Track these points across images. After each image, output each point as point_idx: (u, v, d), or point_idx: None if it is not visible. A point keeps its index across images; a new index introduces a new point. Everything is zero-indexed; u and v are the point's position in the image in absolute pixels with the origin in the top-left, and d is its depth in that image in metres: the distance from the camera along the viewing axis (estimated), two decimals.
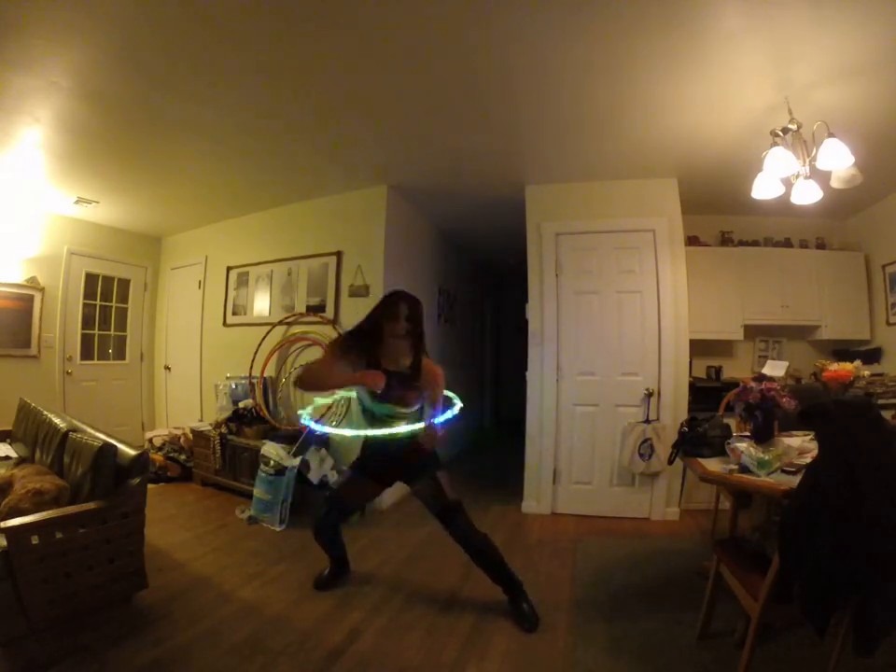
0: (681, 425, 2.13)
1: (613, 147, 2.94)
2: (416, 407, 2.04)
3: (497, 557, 2.04)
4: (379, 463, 2.10)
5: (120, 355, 5.04)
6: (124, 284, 5.04)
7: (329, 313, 3.74)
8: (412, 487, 2.12)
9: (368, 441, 2.14)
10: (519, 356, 3.38)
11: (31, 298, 4.17)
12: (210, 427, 3.87)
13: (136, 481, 2.02)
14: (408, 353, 1.99)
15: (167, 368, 5.06)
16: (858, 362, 2.60)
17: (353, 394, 2.15)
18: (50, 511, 1.83)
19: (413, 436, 1.95)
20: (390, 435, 1.94)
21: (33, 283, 4.17)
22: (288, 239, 4.09)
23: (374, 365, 1.92)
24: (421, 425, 1.94)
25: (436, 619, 2.03)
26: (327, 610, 2.07)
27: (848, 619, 1.29)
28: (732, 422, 2.23)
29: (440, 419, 1.95)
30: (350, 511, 2.36)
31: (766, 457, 1.69)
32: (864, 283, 3.69)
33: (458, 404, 2.07)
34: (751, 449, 1.76)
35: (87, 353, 4.69)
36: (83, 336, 4.63)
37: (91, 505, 1.90)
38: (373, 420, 2.01)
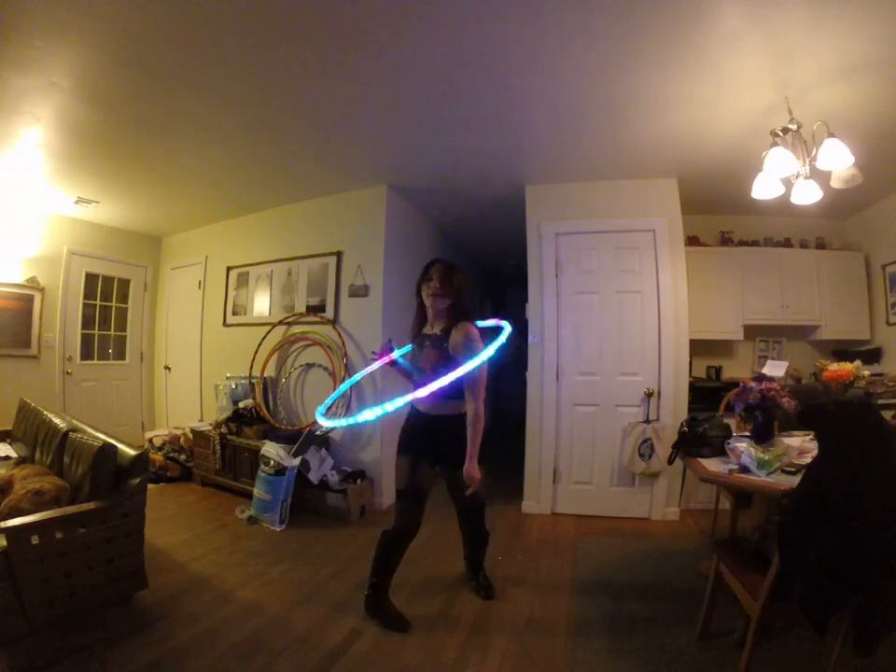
0: (681, 425, 2.13)
1: (613, 148, 2.94)
2: (436, 374, 1.84)
3: (482, 540, 2.28)
4: (413, 434, 2.05)
5: (120, 355, 5.05)
6: (124, 284, 5.05)
7: (329, 313, 3.74)
8: (445, 476, 2.05)
9: (407, 416, 2.12)
10: (519, 356, 3.39)
11: (31, 298, 4.17)
12: (210, 427, 3.87)
13: (136, 481, 2.02)
14: (444, 318, 1.97)
15: (167, 368, 5.06)
16: (858, 362, 2.59)
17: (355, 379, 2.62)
18: (50, 511, 1.83)
19: (449, 417, 1.95)
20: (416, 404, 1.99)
21: (33, 283, 4.18)
22: (288, 239, 4.09)
23: (417, 334, 2.05)
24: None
25: (436, 619, 2.04)
26: (327, 611, 2.07)
27: (848, 619, 1.29)
28: (732, 422, 2.23)
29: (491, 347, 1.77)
30: (418, 498, 2.01)
31: (766, 457, 1.69)
32: (864, 283, 3.69)
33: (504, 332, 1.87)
34: (751, 449, 1.76)
35: (87, 353, 4.69)
36: (83, 336, 4.63)
37: (90, 505, 1.90)
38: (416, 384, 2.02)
